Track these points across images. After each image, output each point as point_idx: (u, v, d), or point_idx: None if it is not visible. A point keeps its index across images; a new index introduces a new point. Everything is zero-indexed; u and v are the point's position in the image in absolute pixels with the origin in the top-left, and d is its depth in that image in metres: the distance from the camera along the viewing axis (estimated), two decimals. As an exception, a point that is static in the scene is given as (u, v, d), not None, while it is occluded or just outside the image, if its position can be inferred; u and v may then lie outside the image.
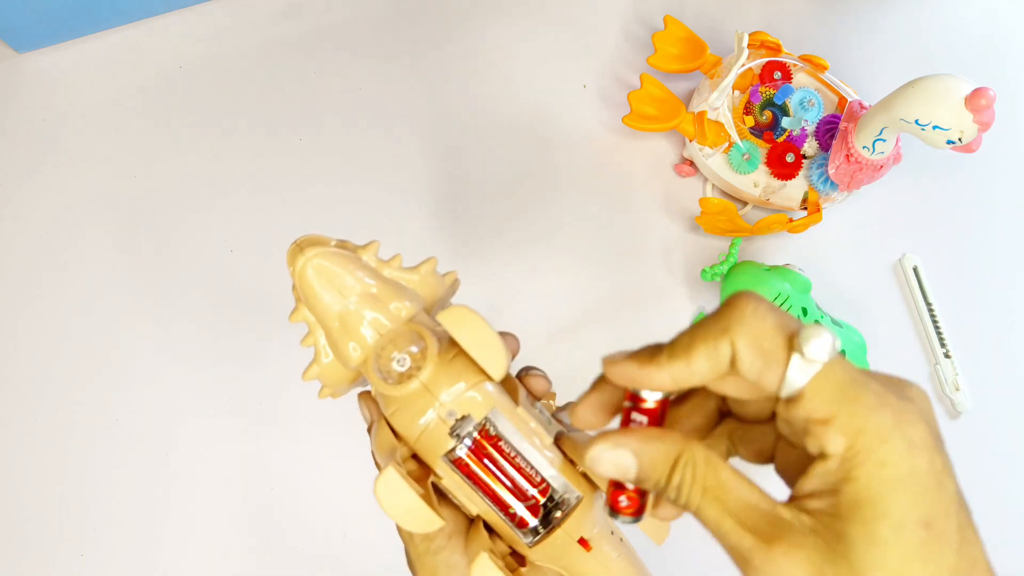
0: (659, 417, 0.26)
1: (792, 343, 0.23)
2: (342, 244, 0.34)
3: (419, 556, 0.33)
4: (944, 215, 0.64)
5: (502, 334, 0.35)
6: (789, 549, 0.22)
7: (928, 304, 0.61)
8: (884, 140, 0.53)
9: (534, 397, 0.36)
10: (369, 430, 0.35)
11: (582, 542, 0.32)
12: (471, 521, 0.33)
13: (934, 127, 0.48)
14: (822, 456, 0.22)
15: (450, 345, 0.33)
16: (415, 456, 0.32)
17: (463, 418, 0.31)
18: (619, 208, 0.62)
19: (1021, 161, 0.66)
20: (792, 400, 0.23)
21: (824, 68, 0.59)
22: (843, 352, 0.34)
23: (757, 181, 0.58)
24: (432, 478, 0.32)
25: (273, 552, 0.56)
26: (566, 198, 0.62)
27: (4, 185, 0.60)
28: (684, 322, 0.60)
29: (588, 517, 0.32)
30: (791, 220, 0.57)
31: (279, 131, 0.62)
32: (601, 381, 0.27)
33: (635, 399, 0.26)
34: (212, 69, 0.63)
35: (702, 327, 0.24)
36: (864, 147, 0.54)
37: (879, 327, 0.60)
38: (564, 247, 0.61)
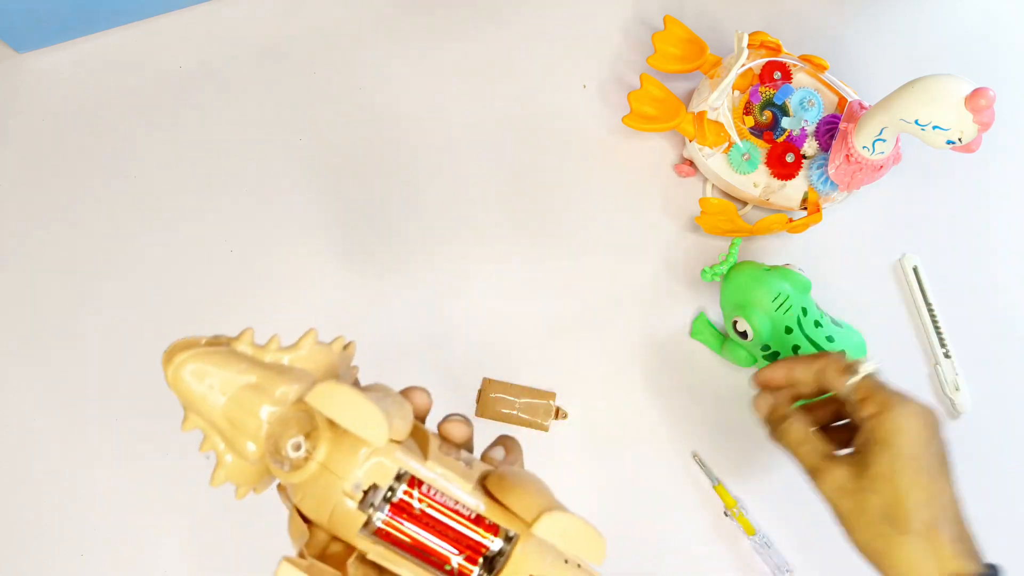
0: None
1: (851, 367, 0.43)
2: (214, 341, 0.33)
3: None
4: (944, 215, 0.64)
5: (408, 390, 0.35)
6: (837, 465, 0.40)
7: (928, 304, 0.61)
8: (884, 140, 0.53)
9: (454, 444, 0.34)
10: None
11: None
12: None
13: (934, 127, 0.48)
14: (863, 419, 0.40)
15: None
16: (336, 537, 0.32)
17: (371, 488, 0.30)
18: (619, 208, 0.62)
19: (1021, 161, 0.66)
20: (851, 391, 0.42)
21: (824, 68, 0.59)
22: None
23: (757, 181, 0.58)
24: (356, 556, 0.31)
25: (272, 551, 0.55)
26: (566, 198, 0.62)
27: (4, 185, 0.60)
28: (684, 322, 0.60)
29: (532, 553, 0.31)
30: (791, 220, 0.57)
31: (278, 131, 0.62)
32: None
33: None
34: (211, 69, 0.63)
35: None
36: (864, 147, 0.54)
37: (879, 327, 0.60)
38: (564, 247, 0.61)
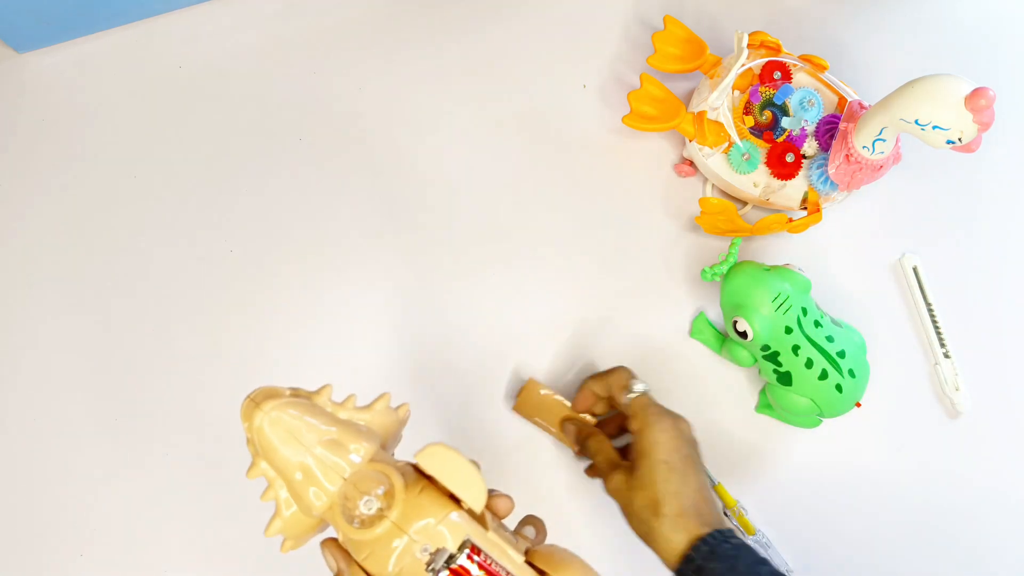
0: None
1: (628, 386, 0.51)
2: (295, 392, 0.34)
3: None
4: (944, 215, 0.64)
5: (495, 494, 0.36)
6: (617, 471, 0.49)
7: (928, 304, 0.61)
8: (884, 140, 0.53)
9: (498, 517, 0.36)
10: None
11: None
12: None
13: (934, 127, 0.48)
14: (633, 433, 0.49)
15: (416, 479, 0.33)
16: None
17: (437, 551, 0.31)
18: (619, 208, 0.62)
19: (1021, 161, 0.66)
20: (626, 407, 0.51)
21: (824, 68, 0.59)
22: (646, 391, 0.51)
23: (757, 181, 0.58)
24: None
25: (272, 551, 0.55)
26: (566, 198, 0.62)
27: (3, 185, 0.61)
28: (684, 322, 0.60)
29: None
30: (791, 220, 0.57)
31: (278, 131, 0.62)
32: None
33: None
34: (212, 69, 0.63)
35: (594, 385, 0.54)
36: (864, 147, 0.54)
37: (879, 327, 0.60)
38: (564, 247, 0.61)
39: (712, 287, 0.60)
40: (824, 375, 0.53)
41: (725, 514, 0.56)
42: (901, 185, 0.63)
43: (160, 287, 0.59)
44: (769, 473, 0.59)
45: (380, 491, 0.32)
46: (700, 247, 0.61)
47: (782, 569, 0.56)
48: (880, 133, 0.52)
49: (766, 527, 0.57)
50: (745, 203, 0.61)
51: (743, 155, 0.57)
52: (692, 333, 0.60)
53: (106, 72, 0.63)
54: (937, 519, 0.59)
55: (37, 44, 0.62)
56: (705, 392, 0.60)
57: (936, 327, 0.61)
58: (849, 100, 0.57)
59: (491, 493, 0.36)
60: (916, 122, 0.49)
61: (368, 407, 0.36)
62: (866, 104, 0.56)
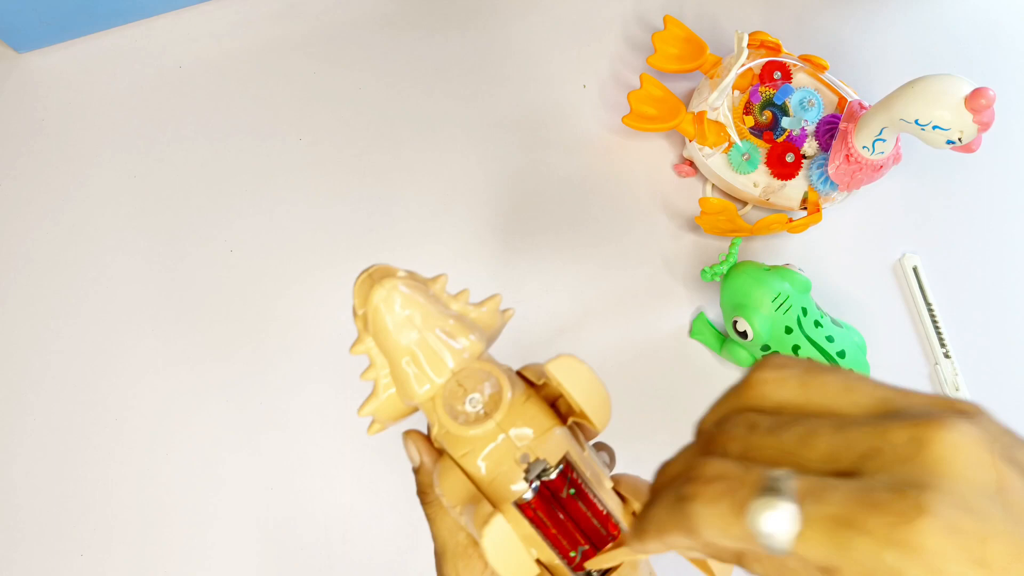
0: None
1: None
2: (412, 275, 0.33)
3: (453, 555, 0.32)
4: (944, 215, 0.64)
5: (602, 445, 0.36)
6: None
7: (928, 304, 0.61)
8: (884, 140, 0.53)
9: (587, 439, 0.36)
10: (416, 471, 0.34)
11: None
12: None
13: (934, 127, 0.48)
14: None
15: (523, 388, 0.32)
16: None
17: (535, 461, 0.30)
18: (619, 208, 0.62)
19: (1021, 161, 0.66)
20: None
21: (824, 68, 0.59)
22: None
23: (757, 181, 0.58)
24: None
25: (272, 552, 0.56)
26: (566, 198, 0.62)
27: (3, 185, 0.60)
28: (684, 322, 0.60)
29: (642, 562, 0.32)
30: (791, 220, 0.57)
31: (279, 131, 0.62)
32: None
33: None
34: (212, 69, 0.63)
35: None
36: (864, 147, 0.54)
37: (879, 327, 0.60)
38: (564, 247, 0.61)
39: (712, 287, 0.60)
40: (824, 375, 0.53)
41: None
42: (901, 185, 0.63)
43: (159, 287, 0.59)
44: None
45: (487, 391, 0.31)
46: (700, 247, 0.61)
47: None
48: (880, 133, 0.52)
49: (766, 527, 0.57)
50: (745, 203, 0.61)
51: (743, 155, 0.57)
52: (692, 333, 0.60)
53: (106, 72, 0.63)
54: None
55: (37, 44, 0.62)
56: (705, 392, 0.59)
57: (936, 327, 0.61)
58: (849, 100, 0.57)
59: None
60: (916, 122, 0.49)
61: (481, 304, 0.35)
62: (866, 104, 0.56)
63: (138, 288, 0.59)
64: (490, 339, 0.35)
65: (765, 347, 0.54)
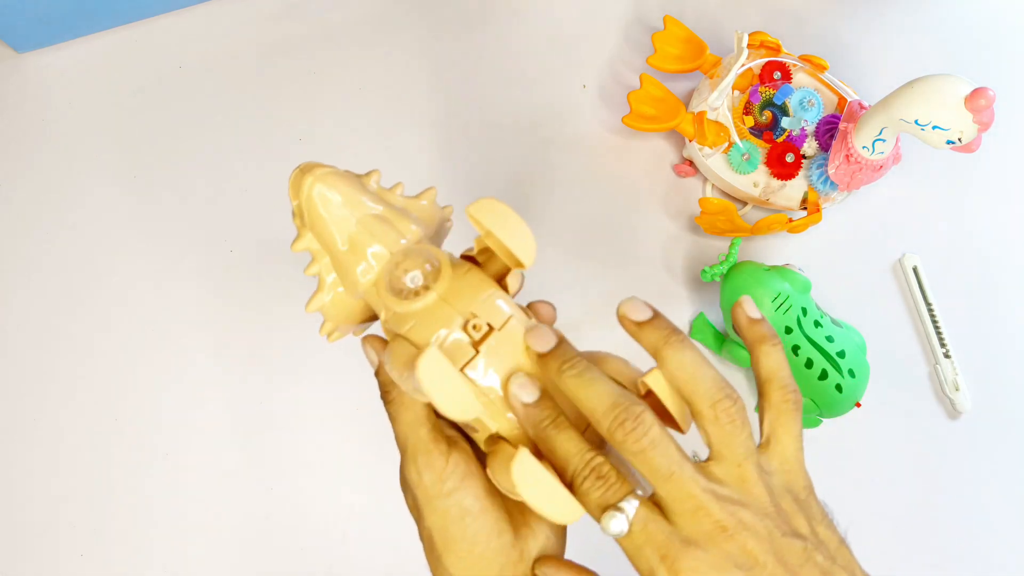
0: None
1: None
2: (345, 171, 0.34)
3: (428, 500, 0.31)
4: (944, 215, 0.64)
5: (538, 303, 0.36)
6: None
7: (928, 304, 0.61)
8: (884, 140, 0.53)
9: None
10: (376, 373, 0.34)
11: None
12: (489, 448, 0.32)
13: (934, 127, 0.48)
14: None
15: (462, 264, 0.33)
16: None
17: (482, 327, 0.31)
18: (619, 208, 0.62)
19: (1021, 161, 0.66)
20: None
21: (824, 68, 0.59)
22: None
23: (757, 181, 0.58)
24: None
25: (272, 552, 0.56)
26: (566, 198, 0.62)
27: (4, 185, 0.60)
28: (684, 322, 0.60)
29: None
30: (791, 220, 0.57)
31: (278, 131, 0.62)
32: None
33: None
34: (212, 69, 0.63)
35: None
36: (864, 147, 0.54)
37: (879, 327, 0.60)
38: (564, 247, 0.61)
39: (712, 287, 0.60)
40: (824, 375, 0.53)
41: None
42: (901, 185, 0.63)
43: (159, 287, 0.59)
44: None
45: (427, 268, 0.32)
46: (700, 247, 0.61)
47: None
48: (880, 133, 0.52)
49: (766, 527, 0.57)
50: (745, 203, 0.61)
51: (743, 155, 0.57)
52: (692, 333, 0.60)
53: (106, 72, 0.63)
54: (937, 519, 0.59)
55: (37, 44, 0.62)
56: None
57: (936, 327, 0.61)
58: (849, 100, 0.57)
59: (537, 302, 0.36)
60: (916, 122, 0.49)
61: (416, 197, 0.35)
62: (866, 104, 0.56)
63: (138, 289, 0.59)
64: (431, 235, 0.36)
65: (765, 347, 0.54)
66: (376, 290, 0.32)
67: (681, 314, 0.60)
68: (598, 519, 0.29)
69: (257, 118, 0.62)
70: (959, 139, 0.48)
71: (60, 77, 0.62)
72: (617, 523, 0.28)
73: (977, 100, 0.46)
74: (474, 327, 0.31)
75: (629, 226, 0.62)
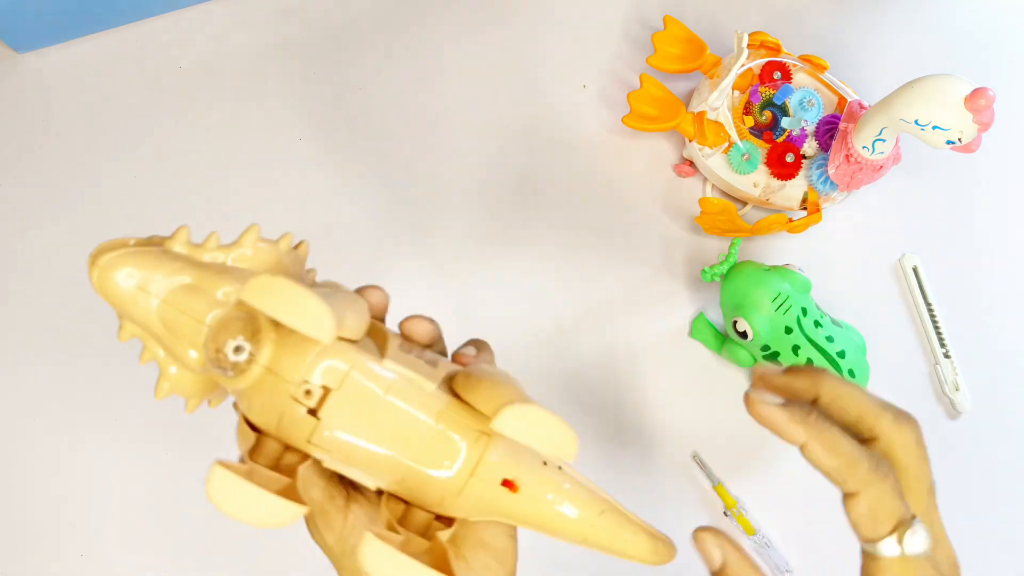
0: None
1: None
2: (145, 241, 0.30)
3: (337, 560, 0.30)
4: (944, 215, 0.64)
5: (362, 288, 0.32)
6: None
7: (928, 304, 0.61)
8: (884, 140, 0.53)
9: (418, 344, 0.32)
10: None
11: (507, 484, 0.29)
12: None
13: (934, 127, 0.48)
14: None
15: None
16: (290, 447, 0.29)
17: (308, 391, 0.28)
18: (619, 208, 0.62)
19: (1021, 161, 0.66)
20: None
21: (824, 68, 0.59)
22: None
23: (757, 181, 0.58)
24: (311, 463, 0.29)
25: (272, 552, 0.56)
26: (566, 198, 0.62)
27: (4, 185, 0.60)
28: (684, 322, 0.60)
29: (505, 456, 0.29)
30: (791, 220, 0.57)
31: (279, 131, 0.62)
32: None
33: None
34: (212, 69, 0.63)
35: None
36: (864, 147, 0.54)
37: (879, 327, 0.60)
38: (564, 247, 0.61)
39: (712, 287, 0.60)
40: (824, 375, 0.53)
41: (725, 514, 0.56)
42: (901, 185, 0.63)
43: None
44: (769, 473, 0.59)
45: (248, 335, 0.28)
46: (700, 247, 0.61)
47: (782, 568, 0.56)
48: (880, 133, 0.52)
49: (766, 527, 0.57)
50: (745, 203, 0.61)
51: (743, 155, 0.57)
52: (692, 333, 0.60)
53: (106, 72, 0.63)
54: (937, 519, 0.59)
55: (37, 44, 0.62)
56: (705, 392, 0.59)
57: (936, 327, 0.61)
58: (849, 100, 0.57)
59: (409, 318, 0.33)
60: (916, 122, 0.49)
61: (234, 244, 0.31)
62: (866, 104, 0.56)
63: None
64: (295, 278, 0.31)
65: (765, 347, 0.54)
66: (210, 368, 0.29)
67: (681, 314, 0.60)
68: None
69: (257, 118, 0.62)
70: (959, 139, 0.48)
71: (60, 77, 0.62)
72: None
73: (977, 100, 0.46)
74: (306, 393, 0.28)
75: (629, 226, 0.62)
